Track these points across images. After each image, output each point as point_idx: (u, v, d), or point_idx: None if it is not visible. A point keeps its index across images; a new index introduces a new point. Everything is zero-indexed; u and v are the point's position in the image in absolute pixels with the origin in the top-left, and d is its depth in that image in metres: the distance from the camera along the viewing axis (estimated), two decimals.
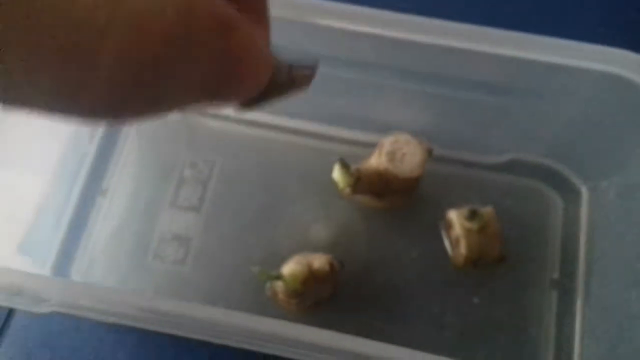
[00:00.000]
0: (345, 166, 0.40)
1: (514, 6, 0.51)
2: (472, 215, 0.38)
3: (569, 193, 0.44)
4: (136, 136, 0.46)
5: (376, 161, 0.41)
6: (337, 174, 0.40)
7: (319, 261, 0.38)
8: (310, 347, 0.28)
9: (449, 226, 0.42)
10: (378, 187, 0.42)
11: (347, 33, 0.36)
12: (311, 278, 0.38)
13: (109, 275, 0.42)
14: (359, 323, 0.40)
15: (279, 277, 0.38)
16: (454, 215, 0.41)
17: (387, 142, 0.41)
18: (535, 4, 0.51)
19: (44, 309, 0.32)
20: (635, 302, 0.37)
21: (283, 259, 0.40)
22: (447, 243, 0.42)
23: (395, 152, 0.41)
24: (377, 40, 0.36)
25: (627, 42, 0.34)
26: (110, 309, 0.30)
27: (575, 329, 0.40)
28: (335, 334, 0.28)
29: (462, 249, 0.40)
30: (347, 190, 0.41)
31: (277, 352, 0.30)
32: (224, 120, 0.46)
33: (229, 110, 0.45)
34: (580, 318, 0.40)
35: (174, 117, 0.46)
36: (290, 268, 0.38)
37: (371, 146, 0.42)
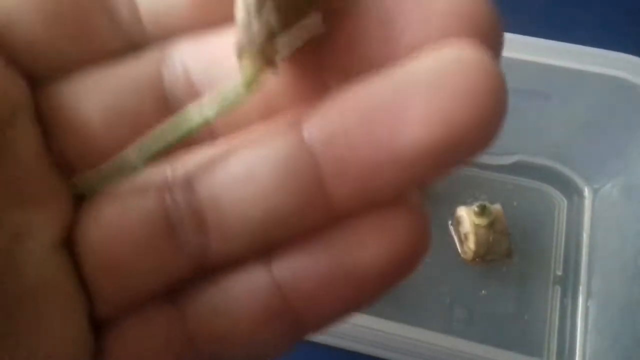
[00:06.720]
0: None
1: (521, 10, 0.53)
2: (482, 210, 0.40)
3: (573, 194, 0.46)
4: None
5: None
6: None
7: None
8: None
9: (458, 222, 0.43)
10: None
11: None
12: None
13: None
14: (370, 312, 0.41)
15: None
16: (463, 212, 0.42)
17: None
18: (541, 8, 0.53)
19: None
20: (636, 297, 0.38)
21: None
22: (456, 239, 0.44)
23: None
24: None
25: (631, 46, 0.36)
26: None
27: (578, 323, 0.42)
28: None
29: (471, 244, 0.42)
30: None
31: None
32: None
33: None
34: (582, 312, 0.42)
35: None
36: None
37: None
